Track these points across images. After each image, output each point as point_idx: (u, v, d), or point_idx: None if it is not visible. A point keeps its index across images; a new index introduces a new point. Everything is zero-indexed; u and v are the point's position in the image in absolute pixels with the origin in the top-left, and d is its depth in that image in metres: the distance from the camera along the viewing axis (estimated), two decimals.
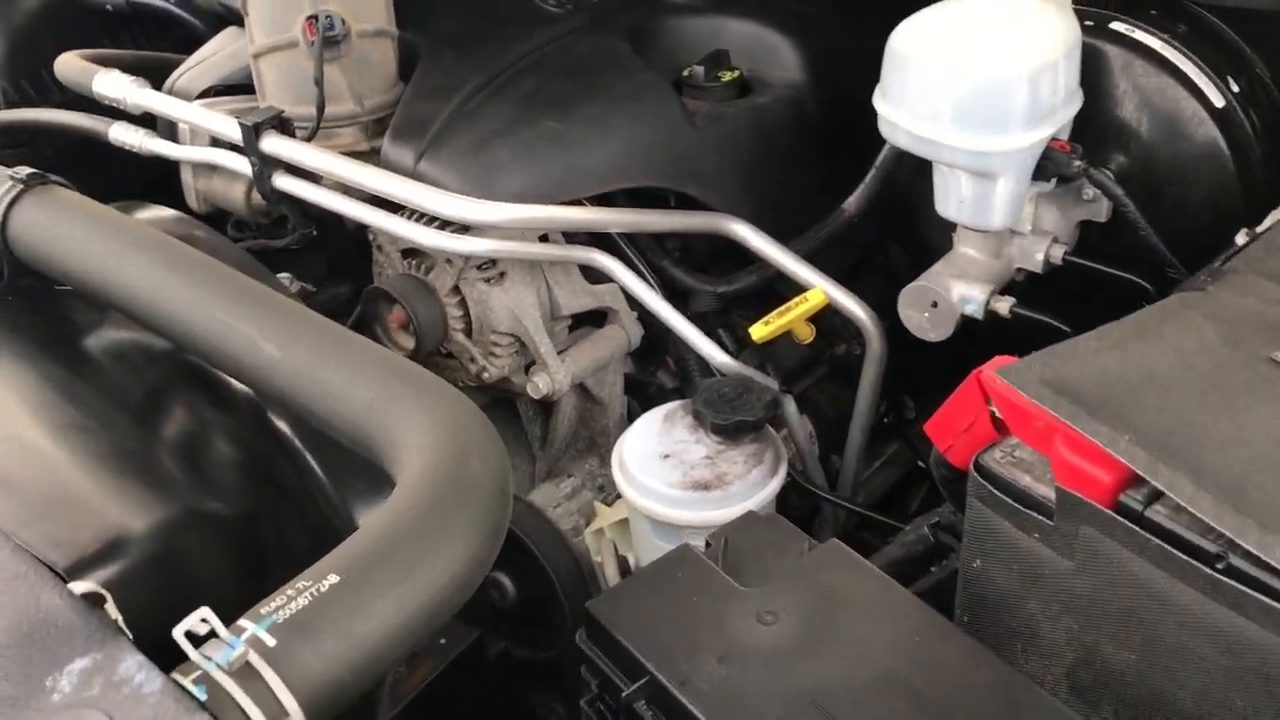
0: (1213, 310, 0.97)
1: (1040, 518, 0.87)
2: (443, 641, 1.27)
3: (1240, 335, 0.92)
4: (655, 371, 1.59)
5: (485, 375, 1.46)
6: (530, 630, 1.49)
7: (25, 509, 0.81)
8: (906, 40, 1.28)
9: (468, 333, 1.45)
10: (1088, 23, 1.39)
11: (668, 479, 1.27)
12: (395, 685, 1.22)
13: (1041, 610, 0.90)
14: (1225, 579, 0.77)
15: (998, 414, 0.92)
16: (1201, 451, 0.81)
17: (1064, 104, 1.27)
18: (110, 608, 0.70)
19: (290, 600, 0.73)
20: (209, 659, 0.70)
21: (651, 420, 1.34)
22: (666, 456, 1.29)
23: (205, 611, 0.71)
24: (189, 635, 0.70)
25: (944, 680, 0.85)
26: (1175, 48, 1.37)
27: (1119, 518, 0.82)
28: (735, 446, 1.29)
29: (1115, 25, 1.39)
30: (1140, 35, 1.38)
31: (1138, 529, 0.81)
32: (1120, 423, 0.83)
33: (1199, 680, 0.80)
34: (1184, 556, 0.79)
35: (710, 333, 1.49)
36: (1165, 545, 0.79)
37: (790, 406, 1.45)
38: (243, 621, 0.72)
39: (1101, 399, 0.85)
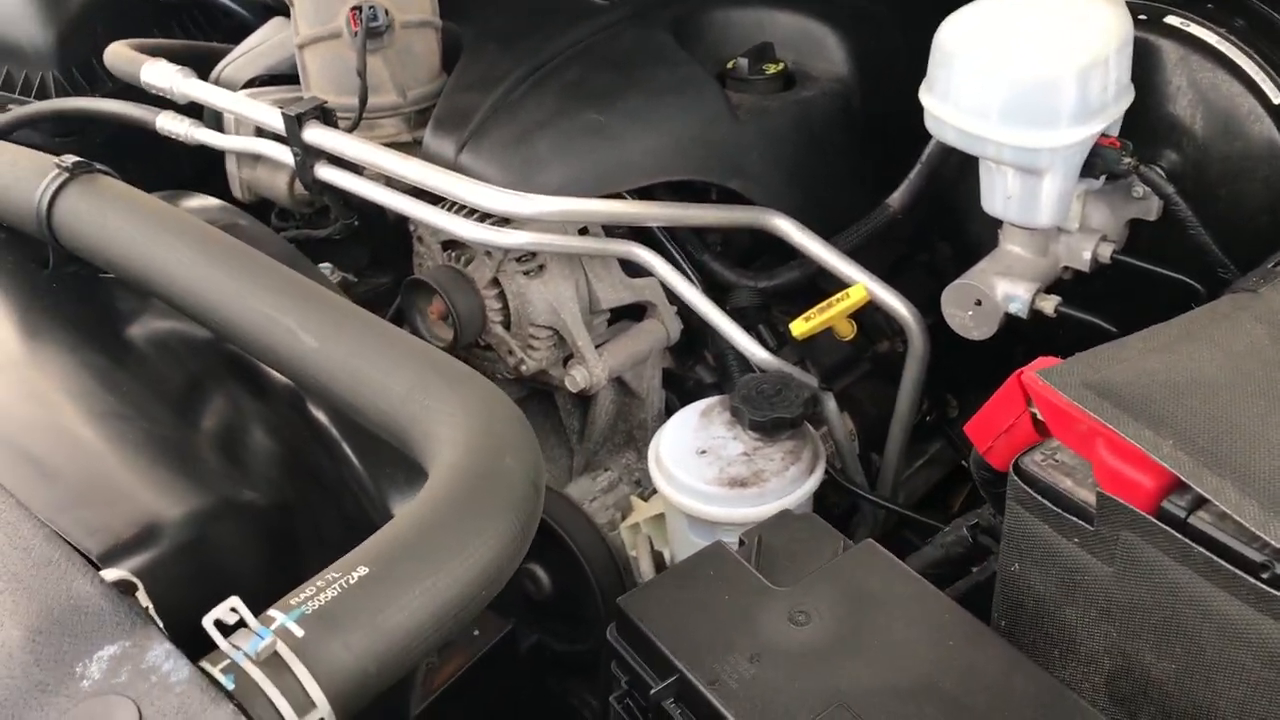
0: (1264, 312, 0.94)
1: (1080, 522, 0.86)
2: (476, 633, 1.27)
3: None
4: (694, 366, 1.57)
5: (523, 368, 1.46)
6: (565, 623, 1.49)
7: (62, 495, 0.82)
8: (954, 34, 1.26)
9: (506, 325, 1.44)
10: (1141, 16, 1.36)
11: (704, 475, 1.26)
12: (428, 676, 1.22)
13: (1080, 617, 0.89)
14: (1270, 589, 0.75)
15: (1039, 416, 0.91)
16: (1248, 457, 0.79)
17: (1115, 100, 1.24)
18: (141, 595, 0.70)
19: (319, 592, 0.74)
20: (237, 648, 0.70)
21: (688, 416, 1.33)
22: (703, 452, 1.28)
23: (235, 601, 0.71)
24: (218, 624, 0.70)
25: (979, 686, 0.83)
26: (1232, 42, 1.33)
27: (1161, 524, 0.80)
28: (773, 444, 1.28)
29: (1170, 19, 1.36)
30: (1195, 29, 1.34)
31: (1180, 536, 0.79)
32: (1164, 427, 0.81)
33: (1241, 693, 0.78)
34: (1228, 565, 0.77)
35: (750, 328, 1.47)
36: (1208, 553, 0.78)
37: (830, 404, 1.44)
38: (272, 612, 0.72)
39: (1145, 402, 0.84)
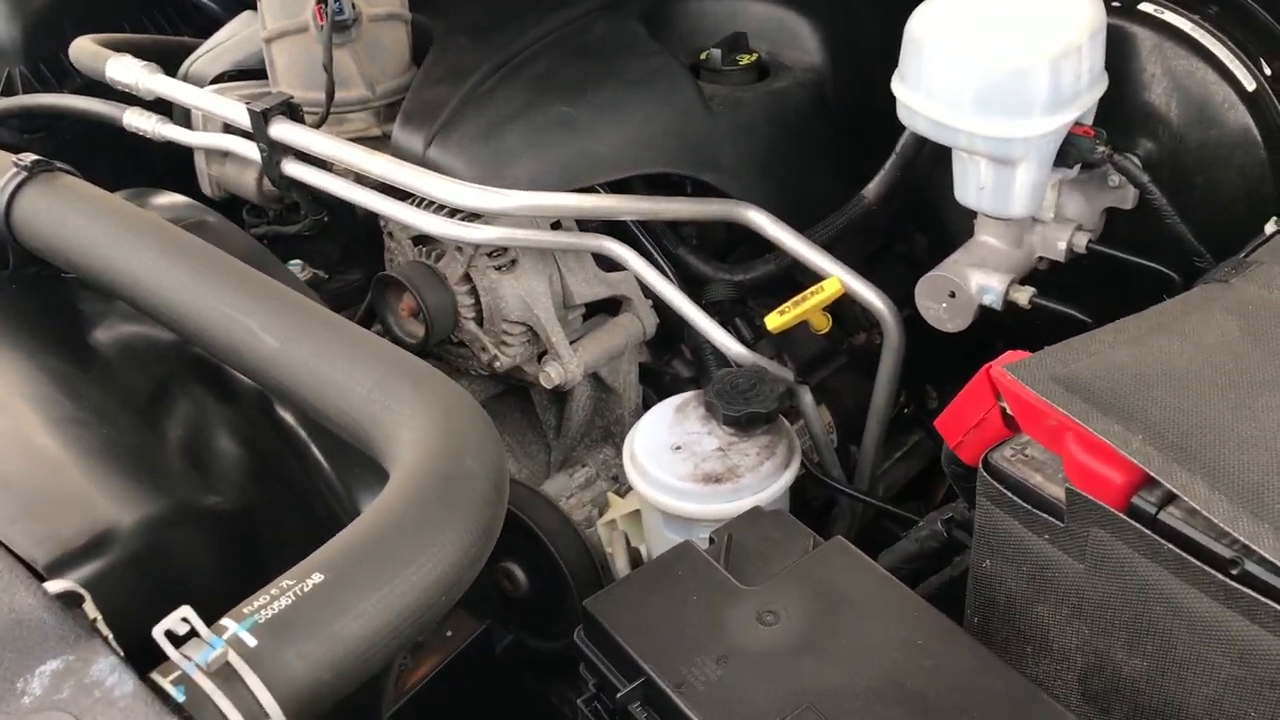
0: (1235, 304, 0.93)
1: (1050, 519, 0.85)
2: (449, 634, 1.26)
3: (1263, 330, 0.89)
4: (671, 360, 1.56)
5: (497, 364, 1.44)
6: (541, 621, 1.48)
7: (13, 504, 0.80)
8: (925, 23, 1.25)
9: (479, 321, 1.43)
10: (1115, 3, 1.35)
11: (678, 471, 1.24)
12: (400, 677, 1.21)
13: (1051, 614, 0.88)
14: (1239, 586, 0.74)
15: (1008, 411, 0.90)
16: (1218, 452, 0.78)
17: (1088, 88, 1.23)
18: (89, 607, 0.68)
19: (273, 600, 0.72)
20: (188, 659, 0.68)
21: (663, 411, 1.32)
22: (678, 448, 1.27)
23: (186, 610, 0.70)
24: (169, 635, 0.69)
25: (948, 686, 0.82)
26: (1206, 29, 1.32)
27: (1131, 521, 0.79)
28: (747, 438, 1.27)
29: (1143, 5, 1.35)
30: (1169, 16, 1.33)
31: (1149, 533, 0.78)
32: (1133, 422, 0.80)
33: (1211, 690, 0.77)
34: (1197, 562, 0.76)
35: (727, 322, 1.46)
36: (1178, 550, 0.77)
37: (806, 397, 1.43)
38: (224, 621, 0.71)
39: (1114, 396, 0.83)
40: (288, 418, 1.16)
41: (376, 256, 1.56)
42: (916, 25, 1.25)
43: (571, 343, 1.43)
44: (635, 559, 1.39)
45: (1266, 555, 0.72)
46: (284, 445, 1.15)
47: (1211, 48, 1.32)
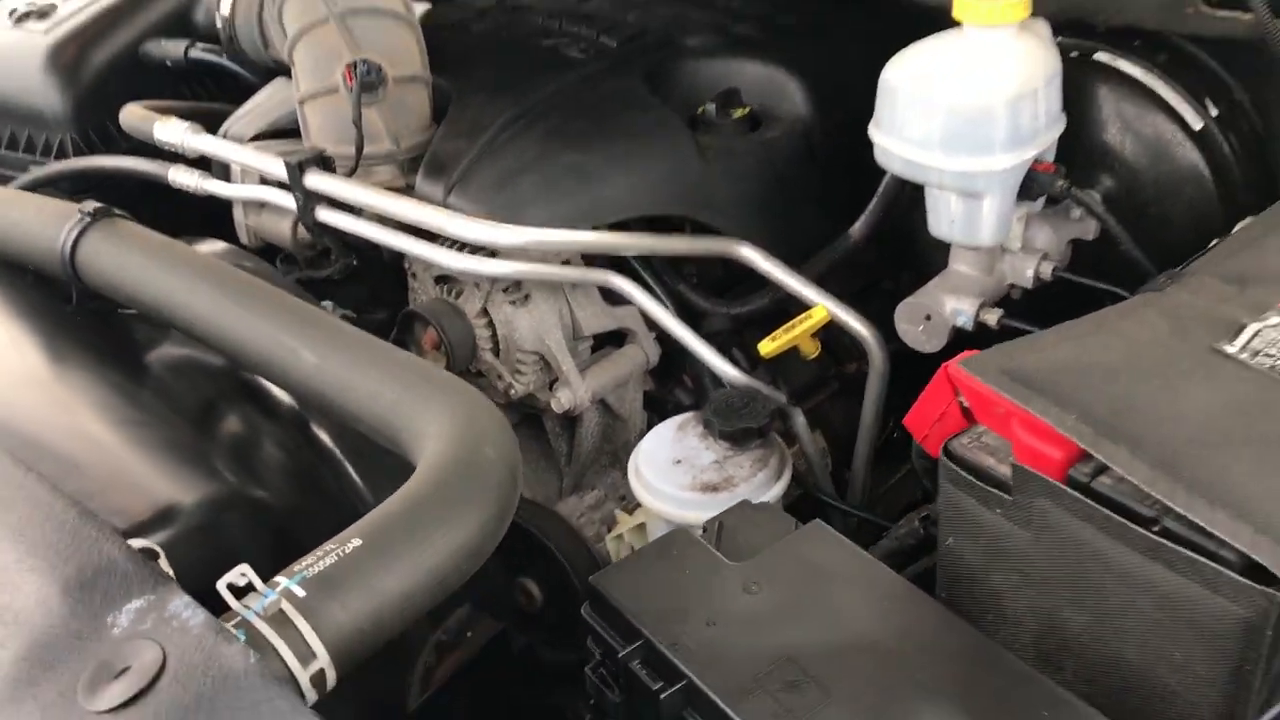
0: (1167, 307, 1.05)
1: (1000, 494, 0.95)
2: (469, 635, 1.37)
3: (1188, 329, 1.00)
4: (673, 389, 1.68)
5: (512, 392, 1.56)
6: (558, 633, 1.58)
7: (88, 485, 0.92)
8: (898, 74, 1.38)
9: (495, 352, 1.55)
10: (1073, 54, 1.48)
11: (679, 482, 1.36)
12: (426, 674, 1.32)
13: (1005, 581, 0.98)
14: (1160, 539, 0.84)
15: (965, 404, 1.01)
16: (1141, 429, 0.89)
17: (1045, 128, 1.35)
18: (162, 562, 0.80)
19: (319, 560, 0.83)
20: (248, 608, 0.80)
21: (665, 429, 1.43)
22: (678, 462, 1.38)
23: (244, 567, 0.81)
24: (230, 587, 0.80)
25: (915, 642, 0.92)
26: (1155, 75, 1.46)
27: (1068, 489, 0.90)
28: (742, 452, 1.38)
29: (1099, 56, 1.49)
30: (1122, 64, 1.47)
31: (1084, 498, 0.89)
32: (1069, 404, 0.91)
33: (1140, 634, 0.87)
34: (1124, 521, 0.86)
35: (725, 352, 1.58)
36: (1108, 512, 0.87)
37: (799, 418, 1.53)
38: (277, 577, 0.82)
39: (1053, 384, 0.94)
40: (324, 437, 1.28)
41: (401, 297, 1.69)
42: (890, 76, 1.38)
43: (580, 371, 1.55)
44: None
45: (1181, 511, 0.83)
46: (321, 462, 1.27)
47: (1160, 91, 1.45)
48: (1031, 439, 0.93)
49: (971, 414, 1.01)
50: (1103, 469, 0.90)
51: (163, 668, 0.71)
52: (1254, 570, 0.80)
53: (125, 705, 0.69)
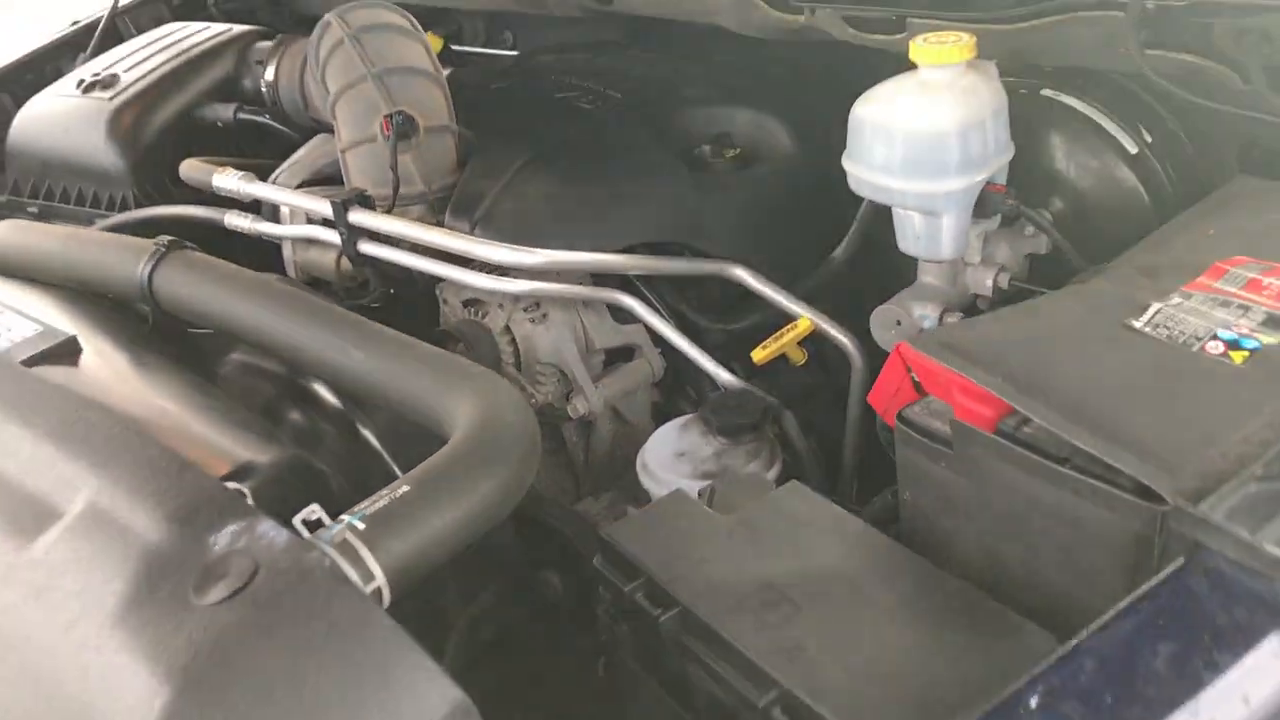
0: (1088, 294, 1.23)
1: (944, 449, 1.13)
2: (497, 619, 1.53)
3: (1103, 309, 1.18)
4: (678, 400, 1.86)
5: (532, 402, 1.75)
6: (576, 618, 1.74)
7: (181, 448, 1.10)
8: (864, 110, 1.57)
9: (517, 365, 1.74)
10: (1022, 90, 1.68)
11: (681, 472, 1.53)
12: (459, 642, 1.49)
13: (953, 526, 1.15)
14: (1068, 471, 1.01)
15: (915, 378, 1.19)
16: (1057, 385, 1.07)
17: (995, 154, 1.54)
18: (249, 500, 0.98)
19: (375, 502, 1.02)
20: (319, 538, 0.98)
21: (669, 429, 1.62)
22: (681, 455, 1.56)
23: (315, 506, 1.00)
24: (304, 522, 0.99)
25: (874, 571, 1.10)
26: (1095, 107, 1.65)
27: (997, 438, 1.07)
28: (737, 445, 1.56)
29: (1045, 91, 1.68)
30: (1066, 98, 1.66)
31: (1010, 445, 1.06)
32: (996, 369, 1.09)
33: (1058, 556, 1.04)
34: (1043, 460, 1.04)
35: (723, 364, 1.76)
36: (1029, 454, 1.05)
37: (790, 420, 1.71)
38: (342, 515, 1.01)
39: (984, 354, 1.12)
40: (370, 436, 1.46)
41: (433, 321, 1.88)
42: (858, 111, 1.58)
43: (594, 381, 1.74)
44: None
45: (1086, 449, 1.00)
46: (367, 457, 1.46)
47: (1100, 121, 1.64)
48: (967, 400, 1.10)
49: (921, 386, 1.19)
50: (1025, 421, 1.07)
51: (255, 572, 0.89)
52: (1143, 492, 0.97)
53: (227, 599, 0.87)
